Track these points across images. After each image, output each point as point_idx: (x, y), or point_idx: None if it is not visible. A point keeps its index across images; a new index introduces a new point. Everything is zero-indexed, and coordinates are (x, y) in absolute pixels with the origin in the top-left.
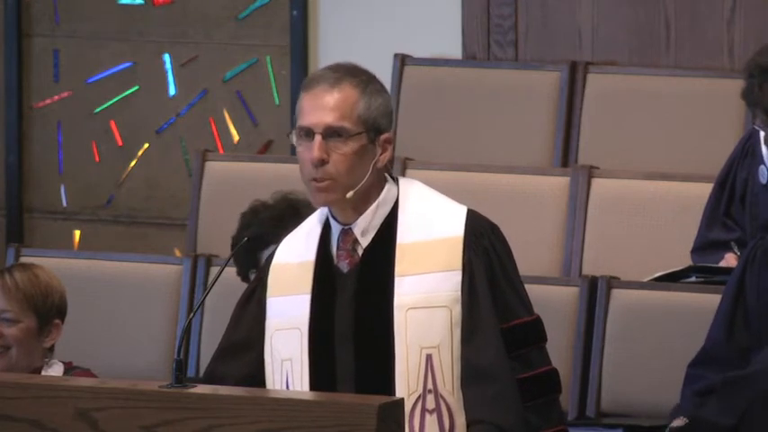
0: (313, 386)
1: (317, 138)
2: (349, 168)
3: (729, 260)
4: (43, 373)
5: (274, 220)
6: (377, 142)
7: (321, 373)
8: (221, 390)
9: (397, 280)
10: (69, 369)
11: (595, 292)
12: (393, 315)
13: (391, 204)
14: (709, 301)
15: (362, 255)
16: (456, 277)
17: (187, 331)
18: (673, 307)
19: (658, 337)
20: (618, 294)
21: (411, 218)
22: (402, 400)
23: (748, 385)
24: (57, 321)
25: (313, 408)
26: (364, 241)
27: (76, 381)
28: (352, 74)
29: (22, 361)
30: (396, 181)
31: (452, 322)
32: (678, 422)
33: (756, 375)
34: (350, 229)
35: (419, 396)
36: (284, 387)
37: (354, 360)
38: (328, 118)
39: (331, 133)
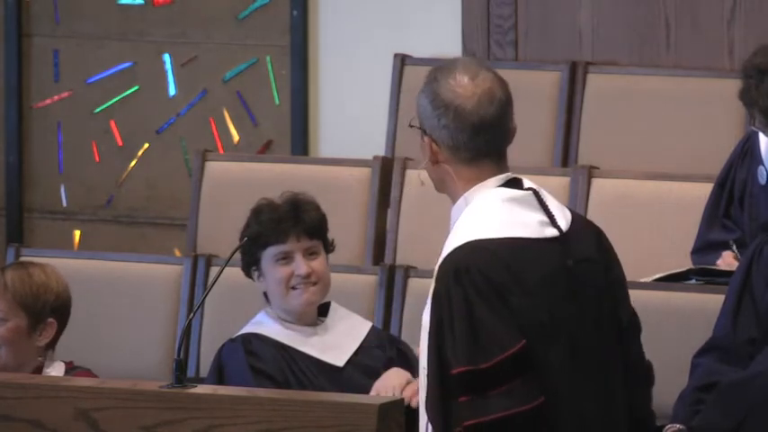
0: None
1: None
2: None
3: (726, 258)
4: (44, 372)
5: (273, 221)
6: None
7: None
8: (221, 390)
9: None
10: (70, 369)
11: None
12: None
13: (458, 215)
14: (710, 301)
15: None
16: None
17: (187, 331)
18: (673, 307)
19: (658, 338)
20: None
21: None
22: (402, 400)
23: (749, 389)
24: (50, 320)
25: (313, 408)
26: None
27: (76, 381)
28: (432, 72)
29: (13, 360)
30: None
31: None
32: (673, 429)
33: (757, 379)
34: None
35: None
36: None
37: None
38: None
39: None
